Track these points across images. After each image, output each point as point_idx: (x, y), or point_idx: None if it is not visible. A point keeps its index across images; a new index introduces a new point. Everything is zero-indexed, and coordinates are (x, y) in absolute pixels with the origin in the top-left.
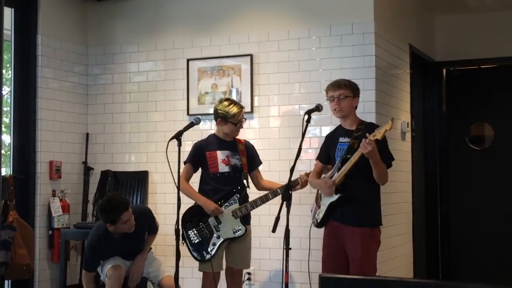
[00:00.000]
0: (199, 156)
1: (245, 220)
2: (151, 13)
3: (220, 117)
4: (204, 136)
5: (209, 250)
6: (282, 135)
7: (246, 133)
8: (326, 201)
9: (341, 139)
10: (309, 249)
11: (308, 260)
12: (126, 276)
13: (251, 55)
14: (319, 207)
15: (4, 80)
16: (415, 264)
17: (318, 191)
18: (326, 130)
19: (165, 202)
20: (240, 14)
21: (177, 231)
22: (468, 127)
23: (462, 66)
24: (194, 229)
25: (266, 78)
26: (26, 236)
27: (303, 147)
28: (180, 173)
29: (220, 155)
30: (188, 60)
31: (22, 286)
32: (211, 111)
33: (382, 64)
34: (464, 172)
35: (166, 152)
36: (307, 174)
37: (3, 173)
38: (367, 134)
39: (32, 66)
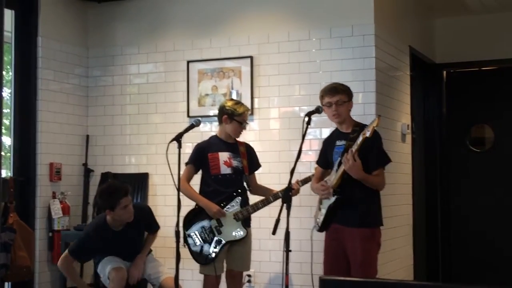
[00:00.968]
0: (201, 157)
1: (246, 222)
2: (151, 15)
3: (227, 113)
4: (205, 138)
5: (210, 253)
6: (282, 137)
7: (246, 135)
8: (325, 204)
9: (338, 143)
10: (312, 252)
11: (311, 263)
12: (126, 277)
13: (251, 57)
14: (320, 210)
15: (4, 81)
16: (416, 266)
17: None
18: (326, 132)
19: (166, 204)
20: (240, 16)
21: (177, 233)
22: (468, 129)
23: (462, 68)
24: (195, 232)
25: (266, 80)
26: (26, 238)
27: (303, 149)
28: (181, 174)
29: (222, 156)
30: (188, 62)
31: None
32: (211, 113)
33: (382, 66)
34: (465, 174)
35: (166, 154)
36: (298, 182)
37: (3, 175)
38: (350, 149)
39: (32, 68)
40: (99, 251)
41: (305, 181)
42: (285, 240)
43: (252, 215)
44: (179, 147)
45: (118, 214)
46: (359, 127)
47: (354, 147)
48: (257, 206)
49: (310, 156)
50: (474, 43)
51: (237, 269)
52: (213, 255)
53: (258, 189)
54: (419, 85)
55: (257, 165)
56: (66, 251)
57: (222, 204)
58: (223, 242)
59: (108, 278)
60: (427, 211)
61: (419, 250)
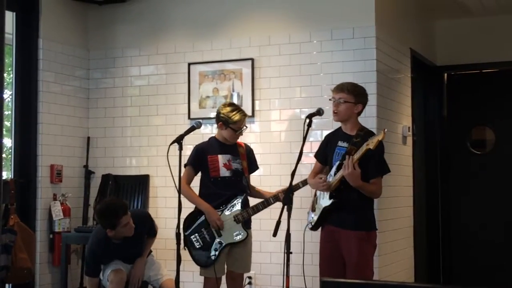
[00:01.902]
0: (200, 159)
1: (246, 224)
2: (152, 17)
3: (221, 121)
4: (205, 140)
5: (211, 255)
6: (283, 139)
7: (247, 137)
8: (320, 206)
9: (340, 143)
10: (303, 253)
11: (303, 264)
12: (126, 280)
13: (252, 59)
14: (314, 210)
15: (5, 83)
16: (416, 268)
17: (315, 195)
18: None
19: (166, 206)
20: (241, 18)
21: (177, 235)
22: (469, 131)
23: (463, 70)
24: (196, 234)
25: (267, 82)
26: (27, 240)
27: (304, 151)
28: (181, 177)
29: (222, 159)
30: (189, 64)
31: None
32: (212, 115)
33: (383, 68)
34: (465, 176)
35: (167, 156)
36: (284, 191)
37: (4, 176)
38: (350, 156)
39: (33, 70)
40: (107, 261)
41: (305, 182)
42: (286, 242)
43: (253, 217)
44: (180, 149)
45: (119, 232)
46: (364, 132)
47: (356, 156)
48: (257, 208)
49: (311, 158)
50: (475, 45)
51: (238, 271)
52: (213, 257)
53: (253, 191)
54: (420, 87)
55: (255, 167)
56: (86, 276)
57: (222, 207)
58: (224, 244)
59: (108, 280)
60: (427, 213)
61: (420, 252)
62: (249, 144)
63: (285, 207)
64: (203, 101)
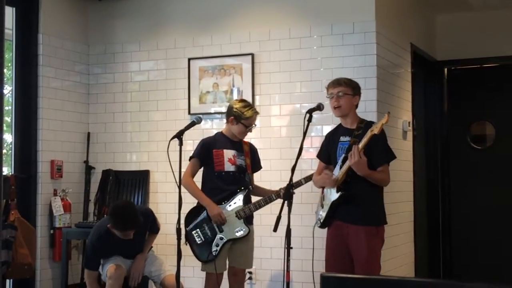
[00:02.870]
0: (206, 153)
1: (248, 220)
2: (152, 12)
3: (233, 115)
4: (206, 136)
5: (212, 250)
6: (284, 134)
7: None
8: (328, 201)
9: (342, 138)
10: (313, 249)
11: (312, 260)
12: (127, 276)
13: (252, 54)
14: (322, 207)
15: (5, 79)
16: (417, 263)
17: (322, 192)
18: (328, 129)
19: (166, 201)
20: (241, 13)
21: (178, 230)
22: (470, 126)
23: (464, 65)
24: (197, 230)
25: (268, 77)
26: (28, 236)
27: (304, 146)
28: (185, 169)
29: (227, 154)
30: (189, 59)
31: (24, 286)
32: (213, 110)
33: (383, 63)
34: (466, 171)
35: (167, 151)
36: (282, 189)
37: (5, 172)
38: (356, 146)
39: (33, 65)
40: (107, 255)
41: (308, 178)
42: (286, 237)
43: (254, 213)
44: (180, 144)
45: (118, 233)
46: (364, 123)
47: (361, 144)
48: (259, 204)
49: (312, 153)
50: (475, 40)
51: (239, 267)
52: (215, 253)
53: (256, 189)
54: (420, 82)
55: (258, 167)
56: (86, 269)
57: (223, 202)
58: (225, 240)
59: (107, 275)
60: (428, 208)
61: (420, 247)
62: (249, 140)
63: (286, 202)
64: (203, 96)
